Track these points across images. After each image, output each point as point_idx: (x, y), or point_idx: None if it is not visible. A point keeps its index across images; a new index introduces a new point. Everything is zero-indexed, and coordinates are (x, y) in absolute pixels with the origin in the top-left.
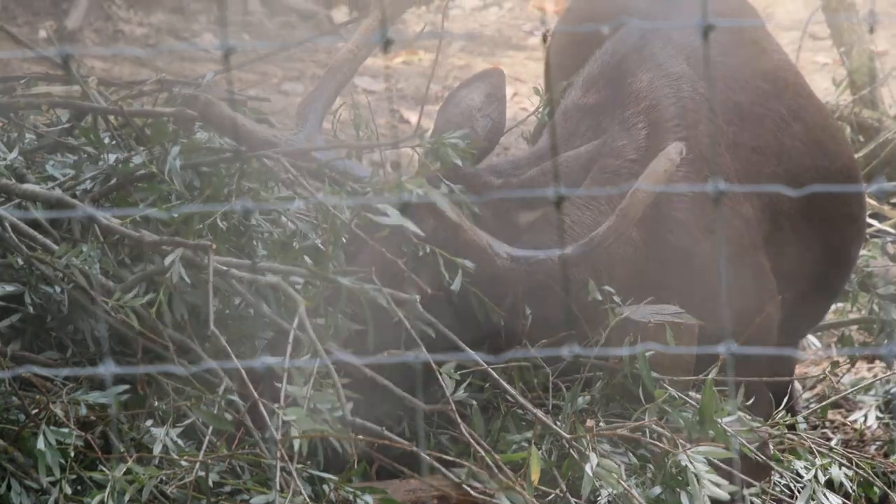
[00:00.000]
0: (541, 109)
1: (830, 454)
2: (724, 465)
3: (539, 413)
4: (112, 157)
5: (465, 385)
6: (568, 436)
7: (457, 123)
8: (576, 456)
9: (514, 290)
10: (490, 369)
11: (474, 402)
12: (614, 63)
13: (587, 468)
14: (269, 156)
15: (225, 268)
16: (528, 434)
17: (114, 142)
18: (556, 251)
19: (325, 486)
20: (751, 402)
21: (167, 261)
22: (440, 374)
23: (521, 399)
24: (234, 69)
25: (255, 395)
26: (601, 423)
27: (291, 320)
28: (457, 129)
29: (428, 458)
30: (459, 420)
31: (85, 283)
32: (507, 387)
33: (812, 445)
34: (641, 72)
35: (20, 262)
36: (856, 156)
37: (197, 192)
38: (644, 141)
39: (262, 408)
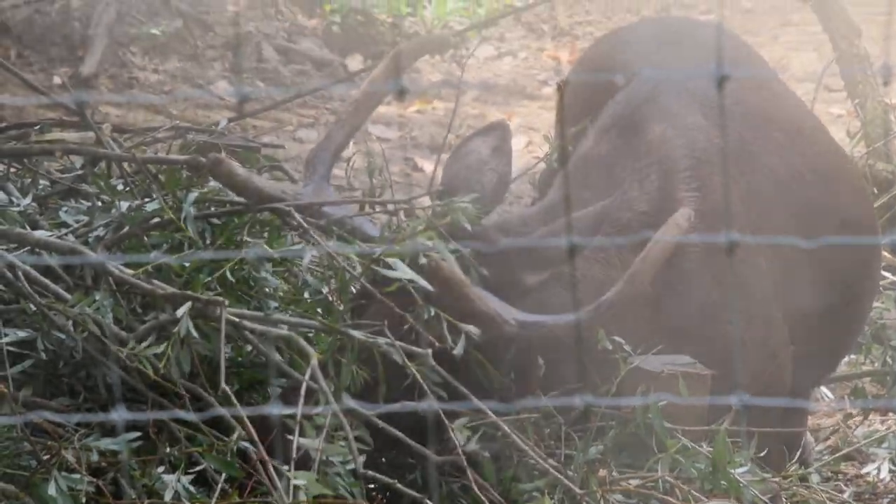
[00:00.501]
0: (550, 156)
1: None
2: None
3: (551, 464)
4: (125, 205)
5: (477, 436)
6: (580, 491)
7: (464, 177)
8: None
9: (519, 347)
10: (500, 421)
11: (486, 453)
12: (627, 113)
13: None
14: (280, 209)
15: (237, 319)
16: (540, 483)
17: (127, 189)
18: (566, 317)
19: None
20: (763, 454)
21: (179, 313)
22: (452, 429)
23: (532, 451)
24: (249, 116)
25: (263, 451)
26: (614, 474)
27: (303, 371)
28: (465, 184)
29: None
30: (470, 471)
31: (98, 332)
32: (518, 439)
33: (825, 498)
34: (654, 122)
35: (33, 307)
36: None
37: (209, 242)
38: (656, 193)
39: (270, 468)
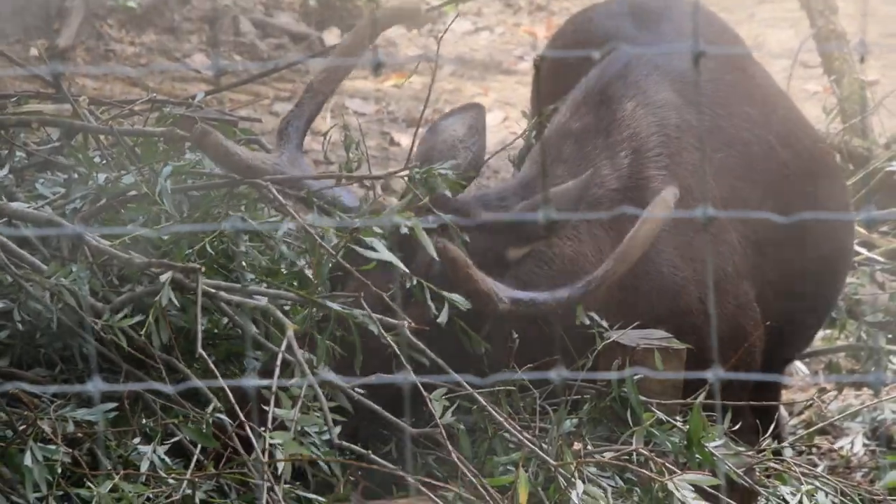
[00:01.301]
0: (528, 133)
1: (816, 481)
2: (711, 490)
3: (526, 437)
4: (102, 177)
5: (452, 408)
6: (555, 462)
7: (440, 153)
8: (562, 481)
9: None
10: (476, 394)
11: (462, 426)
12: (599, 89)
13: (573, 495)
14: (258, 183)
15: (214, 290)
16: (515, 456)
17: (104, 161)
18: (556, 294)
19: None
20: (736, 427)
21: (162, 279)
22: (429, 399)
23: (507, 424)
24: (226, 89)
25: (241, 416)
26: (589, 447)
27: (280, 343)
28: (440, 160)
29: (414, 481)
30: (447, 443)
31: (74, 304)
32: (494, 411)
33: (798, 472)
34: (626, 99)
35: (9, 279)
36: (846, 184)
37: (186, 214)
38: (626, 170)
39: (248, 430)
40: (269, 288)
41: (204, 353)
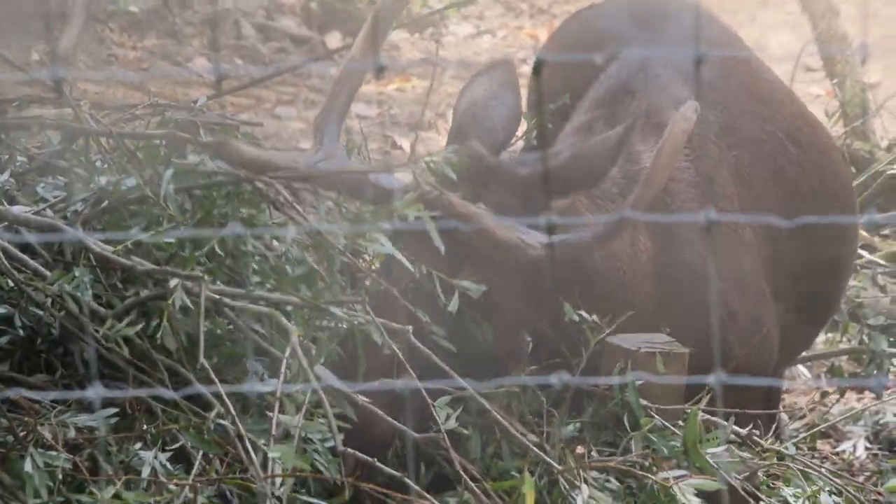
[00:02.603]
0: (528, 134)
1: (820, 480)
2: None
3: (531, 440)
4: (103, 180)
5: (458, 412)
6: (559, 467)
7: (473, 114)
8: (566, 486)
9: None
10: (481, 398)
11: (466, 431)
12: (620, 84)
13: (578, 500)
14: (262, 180)
15: (218, 296)
16: (519, 463)
17: (105, 165)
18: (589, 230)
19: None
20: (748, 429)
21: (171, 284)
22: (434, 407)
23: (513, 429)
24: (227, 93)
25: (241, 428)
26: (593, 452)
27: (283, 347)
28: (474, 120)
29: (416, 487)
30: (452, 449)
31: (76, 310)
32: (499, 416)
33: (802, 469)
34: (650, 92)
35: (10, 284)
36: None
37: (189, 216)
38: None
39: (247, 443)
40: (273, 291)
41: (206, 363)
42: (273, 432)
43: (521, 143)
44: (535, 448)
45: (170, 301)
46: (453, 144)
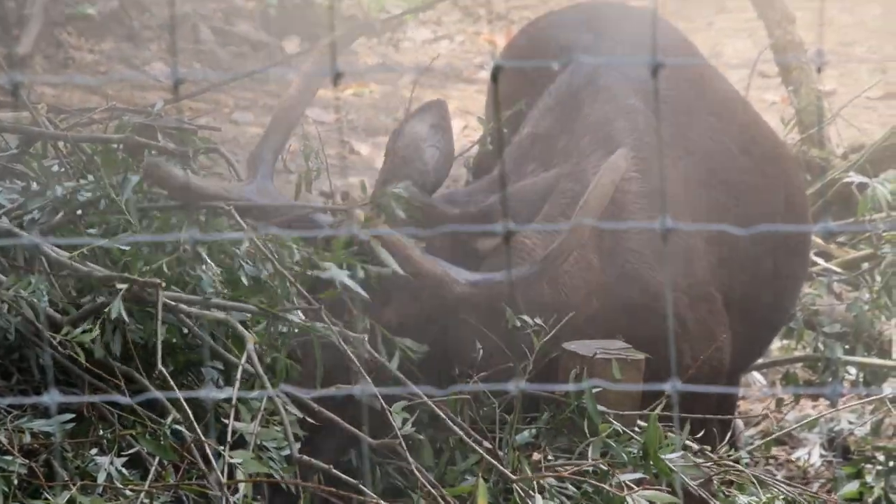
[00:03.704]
0: (484, 139)
1: (776, 487)
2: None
3: (485, 447)
4: (59, 190)
5: (413, 419)
6: (513, 476)
7: (405, 157)
8: (520, 494)
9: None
10: (435, 406)
11: (422, 437)
12: (569, 94)
13: None
14: (220, 207)
15: (174, 303)
16: (471, 463)
17: (62, 170)
18: (516, 271)
19: None
20: (701, 434)
21: (121, 290)
22: (390, 412)
23: (465, 436)
24: (185, 98)
25: (200, 433)
26: (549, 457)
27: (240, 355)
28: (407, 163)
29: (373, 496)
30: (408, 454)
31: (32, 316)
32: (453, 424)
33: (756, 479)
34: (598, 103)
35: None
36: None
37: (146, 223)
38: None
39: (207, 448)
40: (228, 300)
41: (163, 369)
42: (229, 439)
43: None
44: (487, 456)
45: (107, 310)
46: (384, 186)
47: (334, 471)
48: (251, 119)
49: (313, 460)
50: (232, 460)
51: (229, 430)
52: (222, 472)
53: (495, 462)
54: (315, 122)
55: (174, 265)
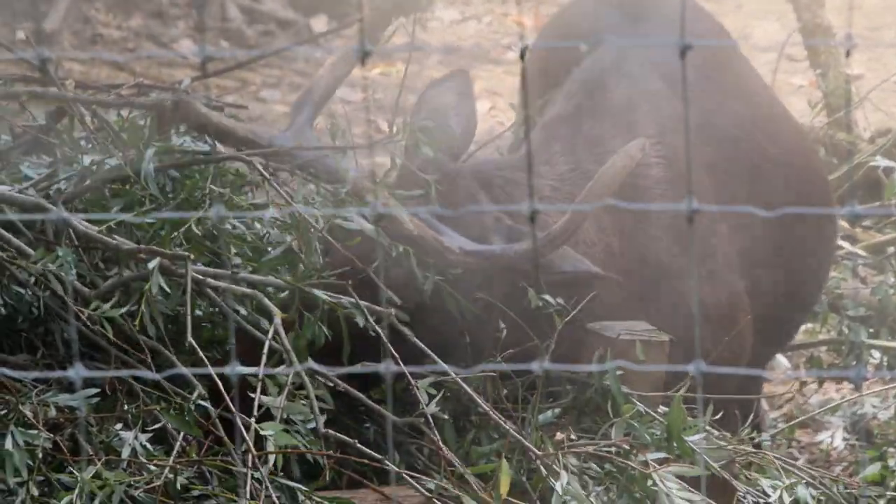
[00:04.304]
0: (516, 126)
1: (797, 473)
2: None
3: (510, 426)
4: (87, 159)
5: (437, 398)
6: (538, 452)
7: (432, 121)
8: (544, 471)
9: (485, 293)
10: (462, 382)
11: (446, 416)
12: (593, 78)
13: (557, 486)
14: (241, 158)
15: (201, 276)
16: (497, 445)
17: (90, 144)
18: (516, 245)
19: (295, 495)
20: (719, 416)
21: (150, 265)
22: (417, 388)
23: (493, 413)
24: (212, 76)
25: (229, 401)
26: (572, 437)
27: (266, 329)
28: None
29: (397, 469)
30: (431, 433)
31: (60, 290)
32: (479, 399)
33: (779, 464)
34: (621, 87)
35: None
36: (830, 178)
37: (171, 196)
38: None
39: (237, 420)
40: (255, 273)
41: (194, 342)
42: (255, 413)
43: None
44: (513, 433)
45: (147, 287)
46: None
47: (359, 446)
48: (278, 97)
49: (339, 435)
50: (263, 432)
51: (255, 403)
52: (249, 447)
53: (521, 438)
54: (342, 100)
55: (201, 227)
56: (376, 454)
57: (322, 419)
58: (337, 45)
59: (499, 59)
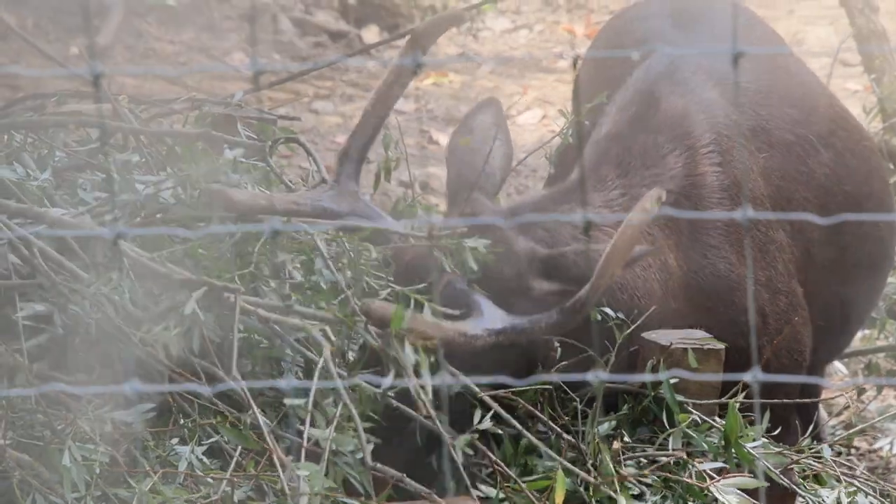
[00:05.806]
0: (566, 131)
1: (855, 482)
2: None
3: (567, 439)
4: (141, 188)
5: (490, 413)
6: (595, 478)
7: (471, 161)
8: (603, 488)
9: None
10: (520, 399)
11: (501, 432)
12: (645, 89)
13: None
14: (305, 229)
15: (252, 307)
16: (553, 463)
17: (143, 160)
18: (541, 317)
19: None
20: (778, 431)
21: (194, 295)
22: (472, 406)
23: (553, 425)
24: (265, 88)
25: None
26: (628, 446)
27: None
28: (474, 156)
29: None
30: (486, 449)
31: (113, 314)
32: (539, 414)
33: (838, 472)
34: (674, 97)
35: (48, 284)
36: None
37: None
38: (681, 170)
39: (276, 458)
40: (304, 306)
41: (238, 376)
42: (304, 445)
43: (557, 141)
44: (569, 446)
45: (182, 309)
46: (455, 196)
47: (408, 480)
48: (331, 108)
49: (386, 468)
50: (299, 472)
51: (304, 435)
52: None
53: (574, 468)
54: (395, 111)
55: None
56: (424, 489)
57: (370, 448)
58: (388, 55)
59: (550, 68)
